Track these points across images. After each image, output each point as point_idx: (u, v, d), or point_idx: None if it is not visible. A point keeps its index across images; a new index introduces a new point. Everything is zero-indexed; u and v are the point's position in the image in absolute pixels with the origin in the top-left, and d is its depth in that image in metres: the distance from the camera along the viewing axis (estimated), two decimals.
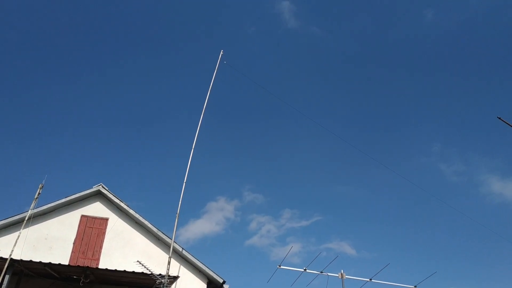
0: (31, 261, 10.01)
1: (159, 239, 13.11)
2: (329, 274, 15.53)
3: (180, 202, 12.55)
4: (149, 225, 13.05)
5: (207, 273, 12.67)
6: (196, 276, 12.74)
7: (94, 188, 13.25)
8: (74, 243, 12.40)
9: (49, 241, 12.33)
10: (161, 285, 10.55)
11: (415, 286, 16.06)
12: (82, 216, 12.99)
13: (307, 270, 15.73)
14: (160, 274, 10.67)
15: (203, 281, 12.71)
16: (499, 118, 18.84)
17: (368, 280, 16.03)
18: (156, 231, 13.01)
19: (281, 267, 15.38)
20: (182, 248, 12.76)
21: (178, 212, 12.35)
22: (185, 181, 12.99)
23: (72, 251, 12.25)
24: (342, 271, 15.65)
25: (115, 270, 10.34)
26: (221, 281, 12.52)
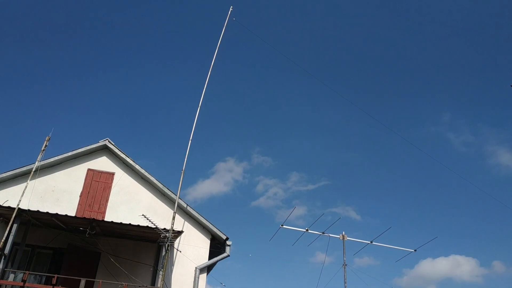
0: (38, 211, 10.18)
1: (164, 195, 13.25)
2: (330, 235, 15.80)
3: (185, 159, 12.63)
4: (155, 181, 13.16)
5: (211, 229, 12.87)
6: (200, 232, 12.96)
7: (101, 143, 13.30)
8: (80, 196, 12.58)
9: (56, 193, 12.51)
10: (166, 239, 10.77)
11: (415, 250, 16.34)
12: (89, 170, 13.11)
13: (309, 231, 15.98)
14: (164, 229, 10.87)
15: (206, 237, 12.93)
16: None
17: (369, 242, 16.30)
18: (161, 187, 13.14)
19: (284, 226, 15.62)
20: (187, 205, 12.92)
21: (183, 169, 12.44)
22: (190, 138, 13.03)
23: (79, 204, 12.44)
24: (343, 232, 15.90)
25: (121, 223, 10.52)
26: (224, 237, 12.73)
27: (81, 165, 13.15)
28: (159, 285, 10.58)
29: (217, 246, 13.19)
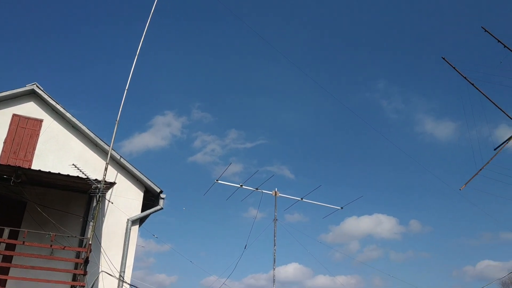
0: None
1: (97, 146, 12.84)
2: (263, 191, 16.29)
3: (120, 109, 12.23)
4: (87, 131, 12.68)
5: (145, 182, 12.75)
6: (133, 184, 12.80)
7: (28, 87, 12.47)
8: (4, 143, 11.86)
9: None
10: (97, 190, 10.54)
11: (342, 208, 17.33)
12: (14, 115, 12.32)
13: (243, 186, 16.35)
14: (96, 179, 10.61)
15: (140, 190, 12.81)
16: (443, 59, 19.43)
17: (299, 199, 17.03)
18: (94, 137, 12.69)
19: (219, 182, 15.85)
20: (120, 156, 12.64)
21: (118, 119, 12.06)
22: (126, 88, 12.58)
23: (3, 151, 11.75)
24: (276, 189, 16.45)
25: (49, 172, 10.10)
26: (158, 190, 12.69)
27: (5, 109, 12.31)
28: (89, 236, 10.44)
29: (150, 199, 13.14)
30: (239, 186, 15.69)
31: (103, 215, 11.96)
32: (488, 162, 15.52)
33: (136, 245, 12.26)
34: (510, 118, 16.39)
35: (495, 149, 17.03)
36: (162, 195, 12.73)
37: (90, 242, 10.32)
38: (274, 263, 15.32)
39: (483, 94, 16.67)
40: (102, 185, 10.58)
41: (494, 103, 16.70)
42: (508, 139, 16.19)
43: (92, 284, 10.85)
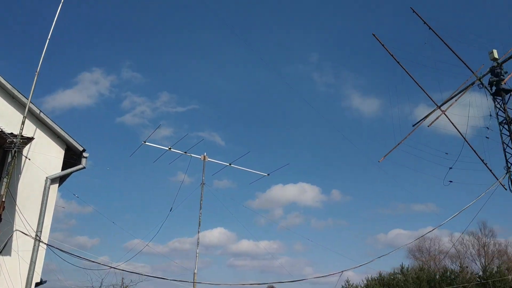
0: None
1: (14, 98, 11.93)
2: (192, 155, 16.23)
3: (41, 59, 11.42)
4: (3, 81, 11.71)
5: (66, 139, 12.13)
6: (54, 141, 12.13)
7: None
8: None
9: None
10: (12, 145, 9.89)
11: (268, 174, 17.77)
12: None
13: (171, 149, 16.16)
14: (12, 134, 9.93)
15: (61, 147, 12.19)
16: (373, 35, 20.10)
17: (228, 164, 17.20)
18: (10, 88, 11.76)
19: (146, 143, 15.50)
20: (40, 111, 11.88)
21: (38, 69, 11.27)
22: (49, 37, 11.73)
23: None
24: (205, 153, 16.44)
25: None
26: (80, 149, 12.15)
27: None
28: (2, 193, 9.83)
29: (73, 158, 12.56)
30: (167, 149, 15.47)
31: (19, 172, 11.28)
32: (405, 137, 16.59)
33: (56, 205, 11.75)
34: (430, 97, 17.52)
35: (413, 125, 18.22)
36: (84, 154, 12.22)
37: (3, 199, 9.73)
38: (199, 226, 15.48)
39: (407, 73, 17.62)
40: (18, 139, 9.94)
41: (416, 83, 17.72)
42: (425, 117, 17.35)
43: (4, 243, 10.31)
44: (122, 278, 32.53)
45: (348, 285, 60.87)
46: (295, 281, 12.95)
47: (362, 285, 59.23)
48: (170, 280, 12.04)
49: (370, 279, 58.54)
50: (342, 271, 12.73)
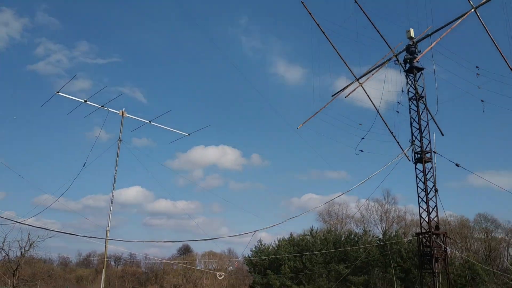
0: None
1: None
2: (110, 109, 15.50)
3: None
4: None
5: None
6: None
7: None
8: None
9: None
10: None
11: (189, 134, 17.59)
12: None
13: (87, 102, 15.28)
14: None
15: None
16: (302, 3, 20.20)
17: (148, 122, 16.71)
18: None
19: (60, 93, 14.49)
20: None
21: None
22: None
23: None
24: (123, 109, 15.80)
25: None
26: None
27: None
28: None
29: None
30: (82, 101, 14.63)
31: None
32: (324, 107, 17.19)
33: None
34: (349, 69, 18.18)
35: (332, 96, 18.90)
36: None
37: None
38: (114, 183, 15.05)
39: (331, 44, 18.07)
40: None
41: (339, 54, 18.25)
42: (344, 88, 18.06)
43: None
44: (29, 234, 30.95)
45: (261, 244, 63.40)
46: (209, 239, 13.20)
47: (274, 245, 62.11)
48: (81, 236, 11.69)
49: (281, 239, 61.49)
50: (255, 231, 13.20)
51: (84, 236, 11.86)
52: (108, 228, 14.16)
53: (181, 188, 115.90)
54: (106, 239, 13.77)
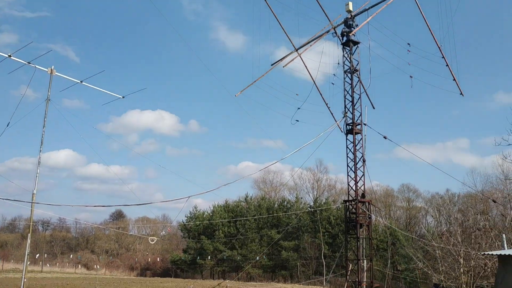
0: None
1: None
2: (37, 66, 14.54)
3: None
4: None
5: None
6: None
7: None
8: None
9: None
10: None
11: (123, 97, 16.99)
12: None
13: (12, 57, 14.23)
14: None
15: None
16: None
17: (79, 82, 15.91)
18: None
19: None
20: None
21: None
22: None
23: None
24: (52, 67, 14.88)
25: None
26: None
27: None
28: None
29: None
30: (6, 56, 13.60)
31: None
32: (262, 75, 17.28)
33: None
34: (289, 38, 18.29)
35: (271, 65, 19.00)
36: None
37: None
38: (41, 145, 14.32)
39: (272, 12, 18.00)
40: None
41: (279, 23, 18.25)
42: (283, 58, 18.22)
43: None
44: None
45: (196, 211, 63.77)
46: (141, 204, 13.09)
47: (209, 211, 62.76)
48: (4, 199, 11.09)
49: (216, 206, 62.22)
50: (189, 197, 13.23)
51: (7, 199, 11.27)
52: (35, 192, 13.54)
53: (115, 152, 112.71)
54: (32, 202, 13.18)
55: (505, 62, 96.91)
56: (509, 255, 10.23)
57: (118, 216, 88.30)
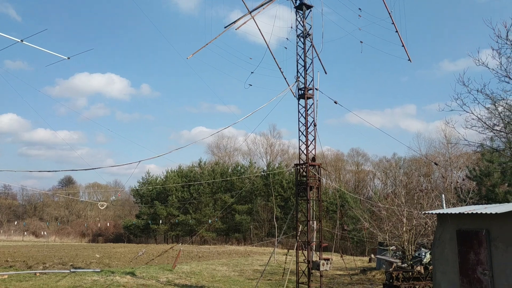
0: None
1: None
2: None
3: None
4: None
5: None
6: None
7: None
8: None
9: None
10: None
11: (69, 58, 16.15)
12: None
13: None
14: None
15: None
16: None
17: (19, 41, 14.92)
18: None
19: None
20: None
21: None
22: None
23: None
24: None
25: None
26: None
27: None
28: None
29: None
30: None
31: None
32: (215, 38, 16.88)
33: None
34: (243, 1, 17.90)
35: (225, 27, 18.60)
36: None
37: None
38: None
39: None
40: None
41: None
42: (236, 20, 17.83)
43: None
44: None
45: (149, 176, 63.08)
46: (89, 169, 12.71)
47: (162, 177, 62.29)
48: None
49: (170, 171, 61.80)
50: (140, 161, 12.97)
51: None
52: None
53: (62, 117, 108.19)
54: None
55: (451, 31, 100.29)
56: (446, 213, 10.88)
57: (68, 182, 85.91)
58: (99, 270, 20.46)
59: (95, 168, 12.60)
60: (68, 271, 19.66)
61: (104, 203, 21.16)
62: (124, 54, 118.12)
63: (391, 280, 14.74)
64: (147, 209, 58.05)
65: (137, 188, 61.42)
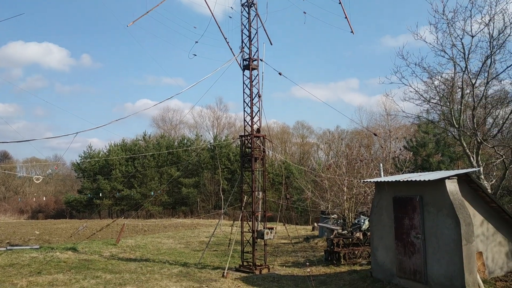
0: None
1: None
2: None
3: None
4: None
5: None
6: None
7: None
8: None
9: None
10: None
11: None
12: None
13: None
14: None
15: None
16: None
17: None
18: None
19: None
20: None
21: None
22: None
23: None
24: None
25: None
26: None
27: None
28: None
29: None
30: None
31: None
32: (157, 5, 16.22)
33: None
34: None
35: None
36: None
37: None
38: None
39: None
40: None
41: None
42: None
43: None
44: None
45: (90, 150, 60.96)
46: (21, 141, 11.99)
47: (105, 150, 60.41)
48: None
49: (113, 145, 60.00)
50: (77, 132, 12.42)
51: None
52: None
53: None
54: None
55: (392, 8, 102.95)
56: (384, 181, 11.36)
57: (3, 157, 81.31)
58: (38, 246, 19.72)
59: (29, 140, 11.92)
60: (5, 248, 18.79)
61: (40, 177, 20.23)
62: (61, 21, 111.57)
63: (332, 247, 15.31)
64: (90, 184, 56.32)
65: (79, 162, 59.29)
